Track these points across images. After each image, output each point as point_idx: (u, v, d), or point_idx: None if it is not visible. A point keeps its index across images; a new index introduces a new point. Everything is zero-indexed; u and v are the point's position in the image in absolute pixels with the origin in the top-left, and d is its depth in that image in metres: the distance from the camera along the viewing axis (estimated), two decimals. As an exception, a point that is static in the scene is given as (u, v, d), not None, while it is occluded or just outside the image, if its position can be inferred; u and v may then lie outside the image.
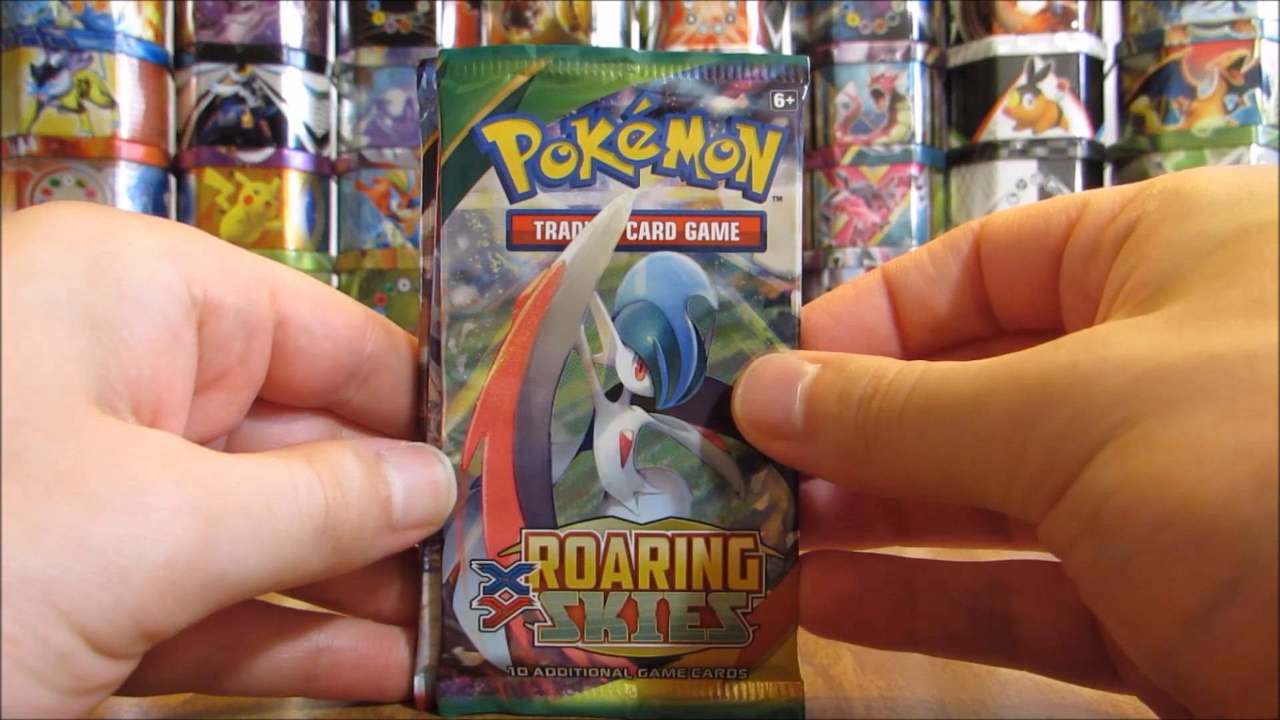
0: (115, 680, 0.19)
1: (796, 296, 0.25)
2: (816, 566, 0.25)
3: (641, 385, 0.25)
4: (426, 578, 0.25)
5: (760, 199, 0.25)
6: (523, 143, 0.25)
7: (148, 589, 0.18)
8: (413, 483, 0.23)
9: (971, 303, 0.25)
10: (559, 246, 0.25)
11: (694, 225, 0.25)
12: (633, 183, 0.25)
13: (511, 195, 0.25)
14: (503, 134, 0.25)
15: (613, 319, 0.25)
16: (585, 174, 0.25)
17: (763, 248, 0.25)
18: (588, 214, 0.25)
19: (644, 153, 0.25)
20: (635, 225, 0.25)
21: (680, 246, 0.25)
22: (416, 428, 0.26)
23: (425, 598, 0.25)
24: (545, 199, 0.25)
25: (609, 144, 0.25)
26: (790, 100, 0.25)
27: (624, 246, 0.25)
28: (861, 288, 0.26)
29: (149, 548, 0.18)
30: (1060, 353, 0.18)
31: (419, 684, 0.25)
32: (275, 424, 0.25)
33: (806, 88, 0.25)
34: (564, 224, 0.25)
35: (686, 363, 0.25)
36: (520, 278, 0.25)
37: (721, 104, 0.25)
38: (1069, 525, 0.17)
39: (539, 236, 0.25)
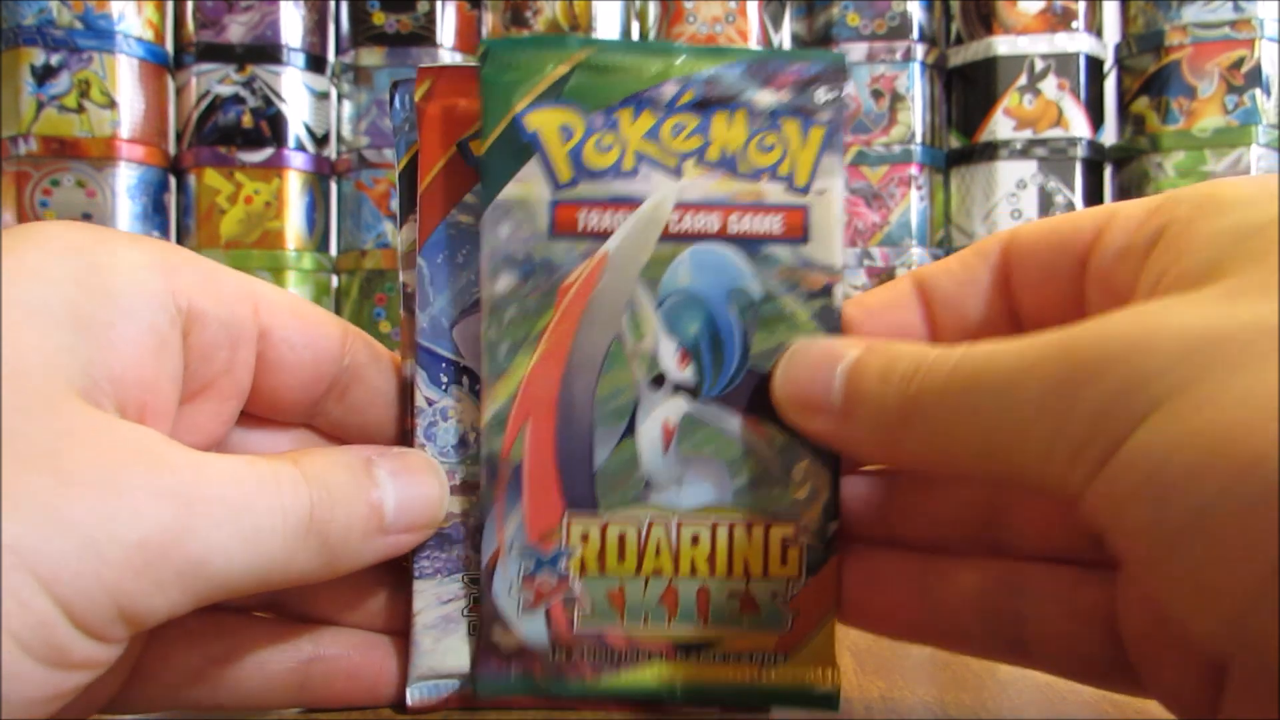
0: (96, 661, 0.19)
1: (839, 289, 0.25)
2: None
3: (684, 374, 0.25)
4: (460, 572, 0.25)
5: (803, 192, 0.25)
6: (565, 132, 0.25)
7: (123, 566, 0.18)
8: (405, 485, 0.23)
9: (1001, 307, 0.25)
10: (602, 236, 0.25)
11: (737, 217, 0.25)
12: (676, 174, 0.25)
13: (554, 184, 0.25)
14: (545, 123, 0.25)
15: (656, 308, 0.25)
16: (628, 164, 0.25)
17: (805, 240, 0.25)
18: (631, 204, 0.25)
19: (687, 144, 0.25)
20: (679, 216, 0.25)
21: (723, 238, 0.25)
22: (401, 440, 0.26)
23: (422, 602, 0.25)
24: (588, 188, 0.25)
25: (652, 135, 0.25)
26: (833, 96, 0.25)
27: (667, 237, 0.25)
28: (895, 289, 0.26)
29: (123, 525, 0.18)
30: (1108, 324, 0.18)
31: (411, 695, 0.25)
32: (260, 439, 0.25)
33: (847, 85, 0.25)
34: (607, 214, 0.25)
35: (729, 353, 0.25)
36: (563, 266, 0.25)
37: (765, 98, 0.25)
38: (1117, 490, 0.17)
39: (581, 226, 0.25)
